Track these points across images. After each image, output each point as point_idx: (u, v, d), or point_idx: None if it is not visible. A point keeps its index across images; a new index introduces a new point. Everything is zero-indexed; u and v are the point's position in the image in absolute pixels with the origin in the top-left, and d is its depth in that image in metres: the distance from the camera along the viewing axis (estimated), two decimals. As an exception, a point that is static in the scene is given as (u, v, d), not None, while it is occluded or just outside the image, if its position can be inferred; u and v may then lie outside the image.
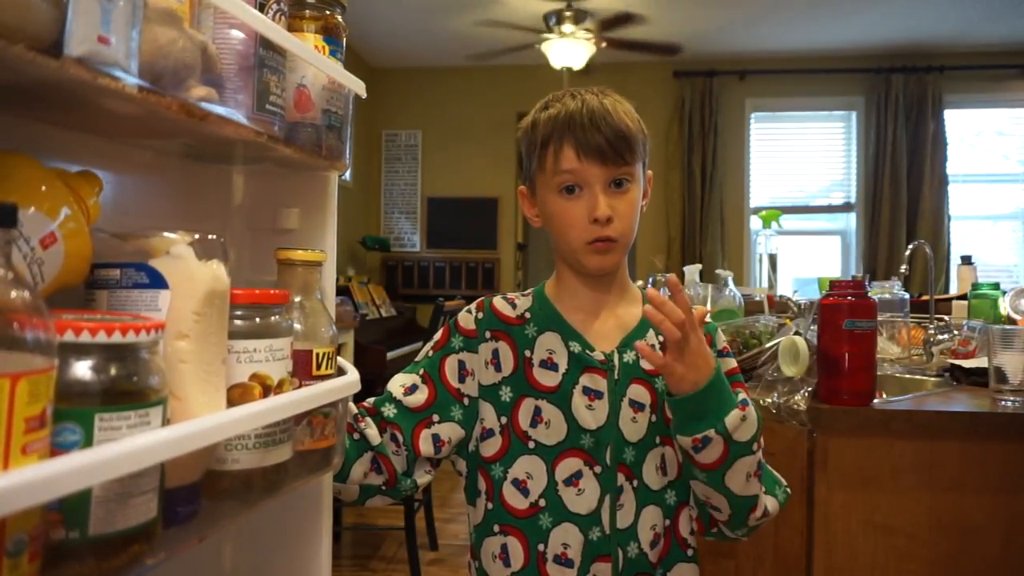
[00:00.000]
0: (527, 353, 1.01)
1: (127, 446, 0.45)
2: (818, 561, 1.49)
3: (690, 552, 1.02)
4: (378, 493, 1.00)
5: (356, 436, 0.96)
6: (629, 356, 1.01)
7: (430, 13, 4.62)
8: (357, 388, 0.81)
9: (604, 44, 4.52)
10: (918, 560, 1.46)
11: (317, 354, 0.78)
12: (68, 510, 0.46)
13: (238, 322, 0.67)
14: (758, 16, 4.71)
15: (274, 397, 0.67)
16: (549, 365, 1.00)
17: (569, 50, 4.52)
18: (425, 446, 0.99)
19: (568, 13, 4.41)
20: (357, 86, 0.88)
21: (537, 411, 0.99)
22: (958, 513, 1.45)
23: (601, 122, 0.95)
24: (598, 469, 0.98)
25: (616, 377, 0.99)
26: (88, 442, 0.47)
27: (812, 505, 1.50)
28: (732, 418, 0.89)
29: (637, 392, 1.00)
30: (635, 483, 0.99)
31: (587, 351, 1.00)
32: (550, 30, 4.49)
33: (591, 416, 0.98)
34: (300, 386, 0.75)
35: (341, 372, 0.83)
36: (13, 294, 0.42)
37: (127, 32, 0.52)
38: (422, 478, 1.01)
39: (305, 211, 0.95)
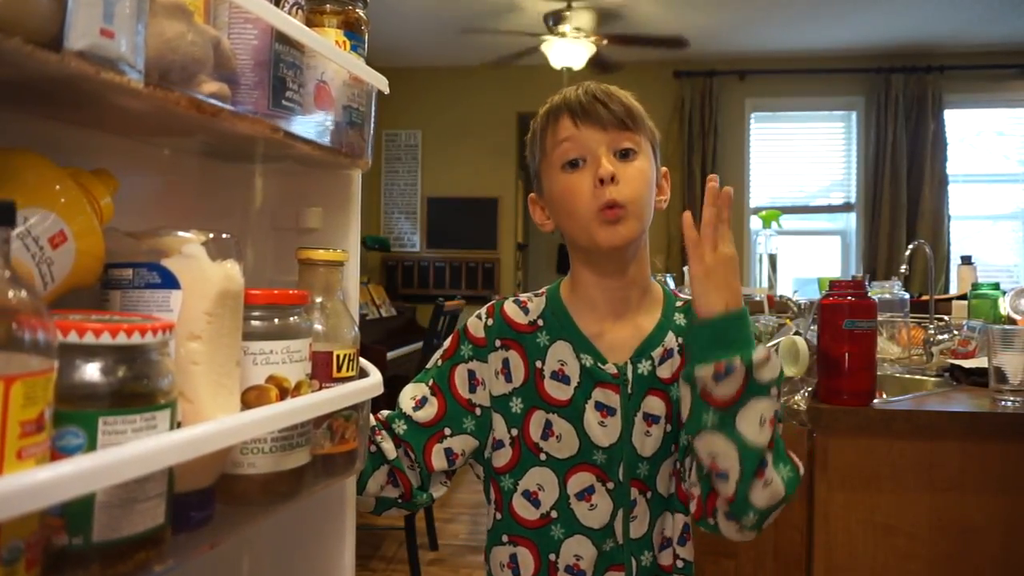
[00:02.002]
0: (538, 364, 0.98)
1: (127, 451, 0.44)
2: (818, 561, 1.49)
3: (681, 564, 0.99)
4: (394, 506, 0.99)
5: (372, 449, 0.95)
6: (644, 367, 0.97)
7: (430, 13, 4.62)
8: (379, 391, 0.79)
9: (605, 41, 4.52)
10: (918, 560, 1.46)
11: (338, 356, 0.76)
12: (70, 516, 0.46)
13: (255, 323, 0.66)
14: (758, 16, 4.71)
15: (290, 400, 0.66)
16: (560, 377, 0.97)
17: (569, 50, 4.51)
18: (438, 461, 0.97)
19: (568, 13, 4.41)
20: (379, 82, 0.86)
21: (548, 424, 0.97)
22: (958, 513, 1.45)
23: (598, 92, 0.94)
24: (611, 485, 0.96)
25: (629, 392, 0.96)
26: (92, 446, 0.46)
27: (812, 505, 1.50)
28: (759, 353, 0.84)
29: (652, 404, 0.97)
30: (649, 495, 0.97)
31: (599, 364, 0.97)
32: (550, 30, 4.49)
33: (603, 433, 0.96)
34: (320, 388, 0.74)
35: (364, 374, 0.81)
36: (10, 293, 0.41)
37: (132, 25, 0.50)
38: (438, 491, 1.00)
39: (328, 210, 0.94)
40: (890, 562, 1.47)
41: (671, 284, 2.74)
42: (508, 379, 0.99)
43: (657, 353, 0.98)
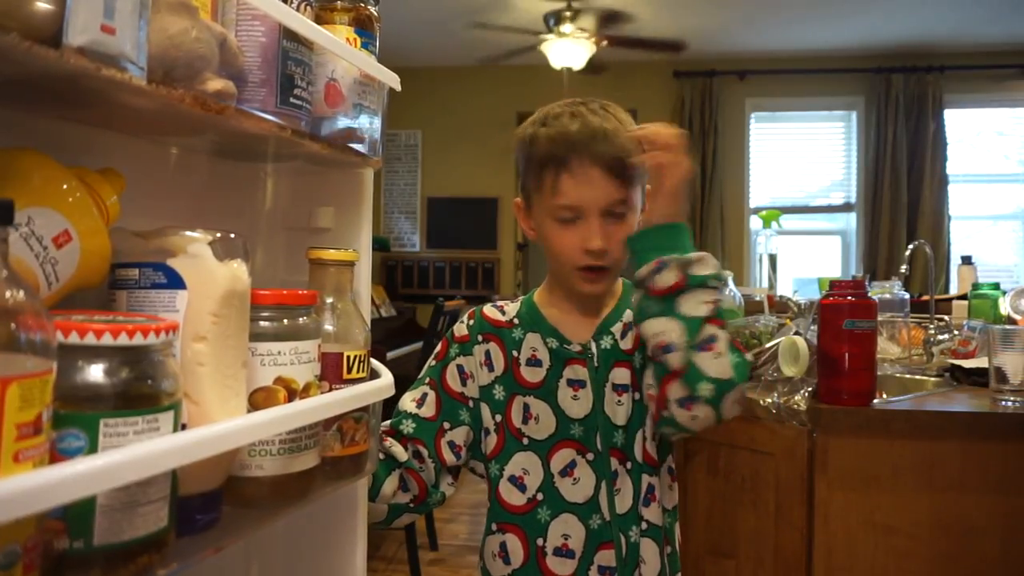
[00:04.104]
0: (515, 353, 1.04)
1: (128, 454, 0.44)
2: (818, 561, 1.49)
3: (645, 526, 1.00)
4: (406, 511, 1.02)
5: (382, 456, 0.96)
6: (606, 342, 1.03)
7: (430, 13, 4.61)
8: (391, 392, 0.79)
9: (605, 43, 4.51)
10: (918, 560, 1.46)
11: (348, 357, 0.76)
12: (71, 519, 0.45)
13: (264, 324, 0.65)
14: (758, 16, 4.70)
15: (296, 402, 0.65)
16: (534, 362, 1.03)
17: (569, 50, 4.51)
18: (447, 454, 1.02)
19: (568, 13, 4.41)
20: (391, 79, 0.85)
21: (526, 408, 1.02)
22: (958, 513, 1.45)
23: (603, 148, 0.94)
24: (591, 456, 1.00)
25: (596, 364, 1.02)
26: (93, 448, 0.45)
27: (812, 505, 1.50)
28: (693, 254, 0.91)
29: (619, 375, 1.02)
30: (629, 465, 1.00)
31: (564, 345, 1.03)
32: (550, 30, 4.49)
33: (577, 405, 1.01)
34: (330, 390, 0.73)
35: (375, 375, 0.81)
36: (7, 294, 0.40)
37: (134, 21, 0.50)
38: (448, 489, 1.04)
39: (340, 209, 0.94)
40: (890, 562, 1.47)
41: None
42: (491, 369, 1.05)
43: (617, 328, 1.04)
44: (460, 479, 1.07)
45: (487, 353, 1.05)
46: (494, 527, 1.02)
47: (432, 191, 5.75)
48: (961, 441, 1.47)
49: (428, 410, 1.03)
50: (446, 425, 1.02)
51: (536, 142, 0.98)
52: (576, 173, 0.94)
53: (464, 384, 1.05)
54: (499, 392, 1.03)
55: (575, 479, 0.99)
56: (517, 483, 1.01)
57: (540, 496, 1.00)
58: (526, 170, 1.01)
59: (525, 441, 1.01)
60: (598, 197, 0.95)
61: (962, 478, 1.46)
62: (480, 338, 1.06)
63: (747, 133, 5.49)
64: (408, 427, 1.01)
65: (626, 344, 1.03)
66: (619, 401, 1.01)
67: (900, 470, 1.47)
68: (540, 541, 0.99)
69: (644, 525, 1.00)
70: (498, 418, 1.03)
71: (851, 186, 5.45)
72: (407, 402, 1.04)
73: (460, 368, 1.05)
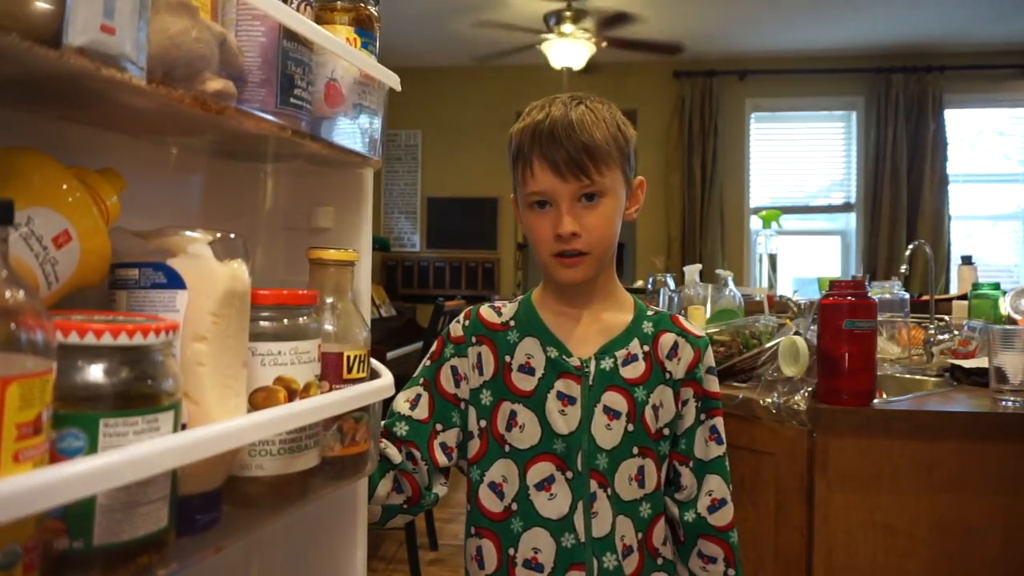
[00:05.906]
0: (507, 358, 1.03)
1: (127, 454, 0.44)
2: (818, 561, 1.49)
3: (660, 561, 1.03)
4: (400, 512, 1.02)
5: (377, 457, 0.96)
6: (607, 363, 1.01)
7: (430, 13, 4.61)
8: (390, 392, 0.79)
9: (604, 44, 4.52)
10: (918, 560, 1.46)
11: (348, 357, 0.76)
12: (71, 519, 0.45)
13: (264, 324, 0.65)
14: (758, 16, 4.70)
15: (296, 402, 0.65)
16: (526, 370, 1.02)
17: (569, 50, 4.51)
18: (440, 456, 1.02)
19: (568, 13, 4.40)
20: (391, 79, 0.86)
21: (512, 415, 1.01)
22: (958, 513, 1.45)
23: (563, 137, 0.94)
24: (569, 475, 0.99)
25: (591, 383, 1.00)
26: (93, 448, 0.45)
27: (812, 505, 1.50)
28: None
29: (613, 399, 1.00)
30: (609, 491, 0.99)
31: (564, 356, 1.01)
32: (550, 30, 4.49)
33: (563, 421, 0.99)
34: (329, 390, 0.73)
35: (375, 375, 0.81)
36: (7, 294, 0.40)
37: (134, 22, 0.50)
38: (440, 489, 1.04)
39: (340, 209, 0.94)
40: (890, 562, 1.47)
41: (671, 284, 2.74)
42: (480, 372, 1.04)
43: (621, 354, 1.02)
44: (456, 479, 1.07)
45: (479, 356, 1.04)
46: (473, 531, 1.03)
47: (432, 191, 5.75)
48: (961, 441, 1.47)
49: (421, 412, 1.03)
50: (438, 427, 1.02)
51: (512, 137, 1.01)
52: (540, 163, 0.96)
53: (457, 385, 1.05)
54: (486, 397, 1.03)
55: (552, 495, 0.98)
56: (496, 490, 1.01)
57: (515, 506, 0.99)
58: (512, 161, 1.03)
59: (507, 448, 1.00)
60: (562, 185, 0.95)
61: (962, 478, 1.46)
62: (474, 339, 1.05)
63: (747, 133, 5.49)
64: (401, 429, 1.01)
65: (627, 374, 1.01)
66: (608, 425, 0.99)
67: (900, 470, 1.47)
68: (512, 551, 0.99)
69: (660, 561, 1.02)
70: (483, 423, 1.02)
71: (851, 186, 5.45)
72: (400, 403, 1.04)
73: (454, 369, 1.05)
